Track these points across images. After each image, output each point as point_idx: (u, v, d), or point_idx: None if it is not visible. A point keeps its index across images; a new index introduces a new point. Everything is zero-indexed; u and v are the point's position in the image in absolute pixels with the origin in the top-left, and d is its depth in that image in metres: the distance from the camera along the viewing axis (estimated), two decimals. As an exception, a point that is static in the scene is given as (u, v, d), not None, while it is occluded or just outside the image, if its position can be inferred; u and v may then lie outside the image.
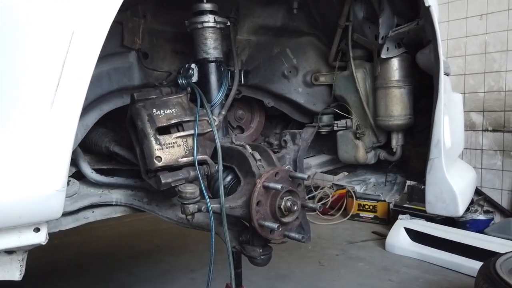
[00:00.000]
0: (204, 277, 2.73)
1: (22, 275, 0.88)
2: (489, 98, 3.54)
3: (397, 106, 1.58)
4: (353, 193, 4.11)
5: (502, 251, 2.09)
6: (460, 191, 1.38)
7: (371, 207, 4.02)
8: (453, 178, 1.39)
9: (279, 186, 1.11)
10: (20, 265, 0.86)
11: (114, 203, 1.46)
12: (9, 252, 0.83)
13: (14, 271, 0.85)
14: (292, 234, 1.18)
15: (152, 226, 3.90)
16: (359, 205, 4.09)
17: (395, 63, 1.56)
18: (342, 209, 4.21)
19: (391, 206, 3.83)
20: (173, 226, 3.87)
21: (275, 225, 1.11)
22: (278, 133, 2.05)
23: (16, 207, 0.71)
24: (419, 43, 1.51)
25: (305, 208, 1.24)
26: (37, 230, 0.77)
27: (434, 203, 1.39)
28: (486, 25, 3.51)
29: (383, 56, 1.51)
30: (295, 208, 1.17)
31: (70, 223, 1.34)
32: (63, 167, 0.74)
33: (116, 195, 1.46)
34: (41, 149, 0.72)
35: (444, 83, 1.42)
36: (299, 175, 1.19)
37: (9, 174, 0.70)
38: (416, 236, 3.10)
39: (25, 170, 0.71)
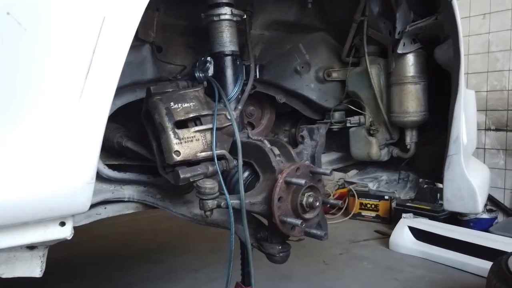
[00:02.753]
0: (207, 277, 2.71)
1: (43, 271, 0.84)
2: (492, 97, 3.55)
3: (412, 102, 1.56)
4: (354, 192, 4.10)
5: (508, 250, 2.09)
6: (479, 188, 1.36)
7: (372, 206, 4.02)
8: (471, 175, 1.37)
9: (302, 181, 1.08)
10: (41, 262, 0.83)
11: (126, 200, 1.43)
12: (31, 247, 0.80)
13: (34, 268, 0.82)
14: (313, 231, 1.16)
15: (151, 226, 3.87)
16: (361, 204, 4.08)
17: (410, 59, 1.54)
18: (344, 208, 4.20)
19: (393, 205, 3.83)
20: (173, 226, 3.84)
21: (298, 221, 1.08)
22: (287, 130, 2.03)
23: (45, 200, 0.68)
24: (434, 39, 1.50)
25: (325, 205, 1.21)
26: (62, 224, 0.74)
27: (452, 201, 1.38)
28: (489, 24, 3.52)
29: (399, 51, 1.50)
30: (317, 204, 1.14)
31: (82, 220, 1.31)
32: (93, 159, 0.71)
33: (128, 191, 1.42)
34: (71, 141, 0.69)
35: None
36: (321, 170, 1.17)
37: (39, 167, 0.67)
38: (420, 234, 3.09)
39: (54, 163, 0.68)
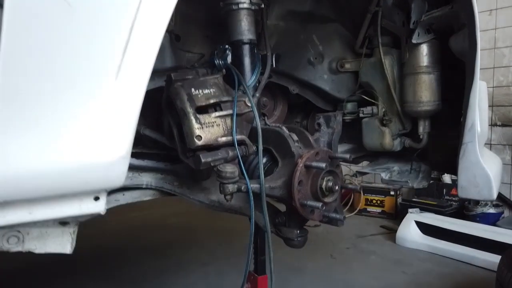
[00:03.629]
0: (217, 271, 2.72)
1: (73, 248, 0.86)
2: (498, 93, 3.56)
3: (426, 92, 1.57)
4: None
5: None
6: (493, 175, 1.37)
7: (378, 201, 4.03)
8: (486, 162, 1.39)
9: (323, 165, 1.10)
10: (72, 238, 0.85)
11: (144, 186, 1.44)
12: (63, 223, 0.82)
13: (65, 244, 0.84)
14: (333, 215, 1.18)
15: (160, 221, 3.88)
16: (366, 200, 4.10)
17: (424, 49, 1.56)
18: (349, 204, 4.21)
19: (399, 200, 3.84)
20: (182, 221, 3.85)
21: (319, 204, 1.10)
22: (299, 122, 2.04)
23: (83, 172, 0.69)
24: (447, 29, 1.51)
25: (344, 189, 1.23)
26: (97, 198, 0.76)
27: (467, 188, 1.39)
28: (495, 20, 3.53)
29: (414, 41, 1.51)
30: (336, 188, 1.16)
31: (101, 205, 1.32)
32: (129, 134, 0.72)
33: (146, 178, 1.44)
34: (109, 116, 0.71)
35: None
36: (340, 155, 1.19)
37: (78, 140, 0.69)
38: (427, 229, 3.10)
39: (92, 137, 0.70)
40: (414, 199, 3.66)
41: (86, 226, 1.31)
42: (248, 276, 1.88)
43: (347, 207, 4.21)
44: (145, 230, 3.72)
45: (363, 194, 4.09)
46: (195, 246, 3.24)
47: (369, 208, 4.08)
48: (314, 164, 1.12)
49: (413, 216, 3.21)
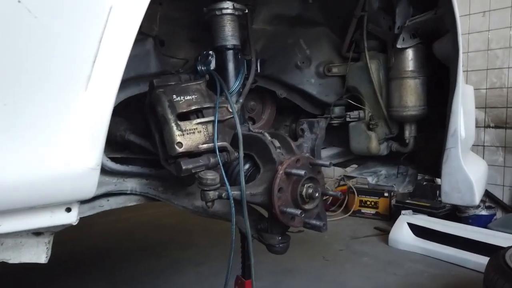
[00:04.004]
0: (210, 271, 2.73)
1: (48, 258, 0.86)
2: (492, 95, 3.57)
3: (411, 97, 1.58)
4: (354, 190, 4.12)
5: (507, 245, 2.10)
6: (476, 181, 1.38)
7: (372, 203, 4.04)
8: (468, 168, 1.39)
9: (302, 172, 1.10)
10: (47, 248, 0.85)
11: (129, 192, 1.44)
12: (37, 234, 0.82)
13: (40, 254, 0.84)
14: (313, 221, 1.18)
15: (154, 221, 3.89)
16: (361, 201, 4.10)
17: (410, 54, 1.56)
18: (344, 205, 4.22)
19: (393, 202, 3.85)
20: (175, 221, 3.86)
21: (298, 211, 1.10)
22: (288, 125, 2.04)
23: (51, 184, 0.70)
24: (433, 34, 1.52)
25: (325, 196, 1.24)
26: (68, 210, 0.76)
27: (450, 193, 1.40)
28: (489, 22, 3.53)
29: (398, 46, 1.52)
30: (316, 195, 1.16)
31: (86, 211, 1.32)
32: (98, 146, 0.73)
33: (131, 184, 1.44)
34: (78, 128, 0.71)
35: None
36: (321, 162, 1.19)
37: (46, 152, 0.69)
38: (419, 231, 3.11)
39: (61, 149, 0.70)
40: (407, 201, 3.66)
41: (81, 228, 1.31)
42: (236, 280, 1.88)
43: (342, 208, 4.22)
44: (140, 230, 3.72)
45: (358, 196, 4.09)
46: (190, 247, 3.25)
47: (363, 210, 4.08)
48: (294, 171, 1.12)
49: (405, 218, 3.22)
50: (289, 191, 1.16)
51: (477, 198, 1.37)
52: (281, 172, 1.13)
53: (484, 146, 3.65)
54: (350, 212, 4.13)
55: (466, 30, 3.68)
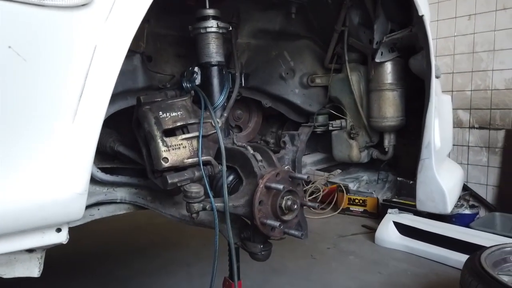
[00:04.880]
0: (200, 271, 2.80)
1: (41, 272, 0.93)
2: (476, 97, 3.65)
3: (390, 108, 1.65)
4: (343, 188, 4.21)
5: (487, 245, 2.19)
6: (449, 190, 1.46)
7: (361, 201, 4.12)
8: (442, 177, 1.47)
9: (280, 186, 1.17)
10: (39, 263, 0.91)
11: (118, 201, 1.51)
12: (30, 250, 0.88)
13: (33, 268, 0.90)
14: (292, 231, 1.25)
15: (147, 222, 3.95)
16: (349, 199, 4.19)
17: (388, 67, 1.63)
18: (333, 203, 4.30)
19: (381, 200, 3.94)
20: (168, 222, 3.91)
21: (277, 223, 1.17)
22: (274, 131, 2.11)
23: (41, 210, 0.76)
24: (412, 47, 1.59)
25: (304, 207, 1.31)
26: (58, 230, 0.82)
27: (424, 202, 1.48)
28: (474, 25, 3.61)
29: (377, 60, 1.58)
30: (295, 207, 1.23)
31: (76, 221, 1.38)
32: (85, 173, 0.79)
33: (120, 193, 1.51)
34: (66, 158, 0.77)
35: (435, 86, 1.50)
36: (299, 175, 1.25)
37: (37, 181, 0.75)
38: (404, 230, 3.20)
39: (50, 178, 0.76)
40: (394, 200, 3.74)
41: (72, 229, 1.37)
42: (224, 281, 1.96)
43: (331, 206, 4.30)
44: (132, 231, 3.78)
45: (347, 194, 4.18)
46: (181, 247, 3.31)
47: (352, 207, 4.17)
48: (274, 185, 1.19)
49: (391, 217, 3.30)
50: (269, 204, 1.23)
51: (449, 207, 1.45)
52: (261, 186, 1.20)
53: (468, 146, 3.75)
54: (339, 210, 4.22)
55: (452, 33, 3.76)
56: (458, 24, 3.70)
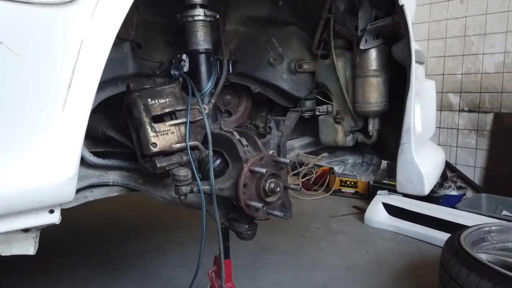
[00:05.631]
0: (194, 250, 2.90)
1: (36, 250, 1.00)
2: (466, 80, 3.70)
3: (373, 94, 1.70)
4: (335, 170, 4.29)
5: (470, 225, 2.28)
6: (427, 173, 1.53)
7: (352, 183, 4.22)
8: (421, 161, 1.54)
9: (263, 170, 1.23)
10: (34, 242, 0.98)
11: (111, 184, 1.57)
12: (25, 230, 0.95)
13: (29, 247, 0.97)
14: (275, 212, 1.32)
15: (142, 204, 4.03)
16: (341, 181, 4.28)
17: (373, 54, 1.67)
18: (325, 185, 4.39)
19: (371, 182, 4.02)
20: (163, 204, 4.01)
21: (260, 205, 1.24)
22: (264, 116, 2.16)
23: (35, 193, 0.82)
24: (396, 35, 1.62)
25: (287, 189, 1.37)
26: (51, 211, 0.89)
27: (403, 184, 1.55)
28: (466, 8, 3.63)
29: (361, 47, 1.63)
30: (278, 189, 1.30)
31: (71, 203, 1.45)
32: (75, 159, 0.85)
33: (113, 176, 1.57)
34: (56, 144, 0.83)
35: (417, 72, 1.55)
36: (282, 160, 1.32)
37: (31, 166, 0.81)
38: (393, 210, 3.30)
39: (43, 163, 0.82)
40: (384, 181, 3.84)
41: (68, 210, 1.43)
42: (214, 259, 2.04)
43: (323, 187, 4.39)
44: (126, 212, 3.87)
45: (338, 176, 4.26)
46: (175, 228, 3.40)
47: (344, 189, 4.27)
48: (257, 169, 1.25)
49: (380, 198, 3.40)
50: (254, 186, 1.29)
51: (427, 189, 1.52)
52: (246, 170, 1.26)
53: (458, 129, 3.81)
54: (331, 191, 4.31)
55: (444, 16, 3.77)
56: (451, 8, 3.71)
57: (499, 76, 3.50)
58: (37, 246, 0.99)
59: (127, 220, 3.66)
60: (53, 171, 0.83)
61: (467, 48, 3.65)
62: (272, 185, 1.29)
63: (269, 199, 1.31)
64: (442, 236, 2.85)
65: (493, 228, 2.16)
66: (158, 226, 3.47)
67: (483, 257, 1.86)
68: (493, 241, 2.15)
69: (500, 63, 3.48)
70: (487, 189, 3.57)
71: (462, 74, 3.72)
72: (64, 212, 1.03)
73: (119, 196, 1.65)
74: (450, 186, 3.51)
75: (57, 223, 0.92)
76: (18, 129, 0.79)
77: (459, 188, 3.57)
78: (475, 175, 3.73)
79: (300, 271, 2.57)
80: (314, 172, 4.57)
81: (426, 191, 1.51)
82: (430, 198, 3.52)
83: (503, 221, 2.38)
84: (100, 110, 1.54)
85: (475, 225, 2.17)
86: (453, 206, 3.18)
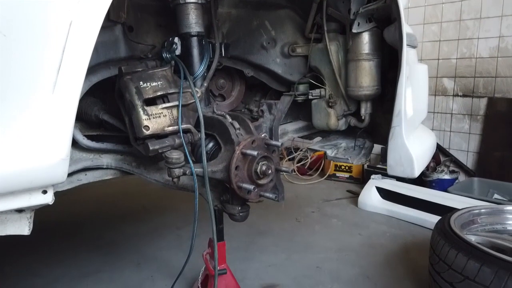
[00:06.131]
0: (189, 234, 2.93)
1: (31, 230, 1.01)
2: (461, 65, 3.70)
3: (366, 78, 1.71)
4: (330, 155, 4.32)
5: (461, 208, 2.32)
6: (417, 156, 1.55)
7: (346, 167, 4.25)
8: (411, 144, 1.56)
9: (255, 152, 1.25)
10: (29, 222, 1.00)
11: (105, 167, 1.58)
12: (19, 210, 0.96)
13: (23, 227, 0.99)
14: (267, 194, 1.34)
15: (137, 188, 4.06)
16: (336, 165, 4.31)
17: (365, 37, 1.68)
18: (320, 169, 4.43)
19: (365, 166, 4.06)
20: (158, 187, 4.04)
21: (251, 187, 1.26)
22: (257, 100, 2.17)
23: (28, 174, 0.83)
24: (388, 18, 1.63)
25: (279, 172, 1.39)
26: (45, 192, 0.90)
27: (393, 167, 1.57)
28: (462, -8, 3.61)
29: (354, 30, 1.63)
30: (270, 171, 1.32)
31: (65, 185, 1.47)
32: (67, 139, 0.86)
33: (106, 160, 1.58)
34: (48, 126, 0.84)
35: (408, 56, 1.55)
36: (273, 142, 1.33)
37: (23, 148, 0.82)
38: (386, 194, 3.34)
39: (35, 145, 0.83)
40: (378, 166, 3.88)
41: (65, 194, 1.44)
42: (209, 241, 2.07)
43: (318, 172, 4.43)
44: (122, 196, 3.89)
45: (333, 160, 4.29)
46: (171, 212, 3.44)
47: (338, 174, 4.30)
48: (249, 152, 1.27)
49: (374, 182, 3.43)
50: (245, 169, 1.31)
51: (417, 172, 1.54)
52: (237, 152, 1.28)
53: (452, 114, 3.83)
54: (326, 176, 4.35)
55: (440, 0, 3.75)
56: (446, -9, 3.69)
57: (493, 61, 3.51)
58: (31, 227, 1.01)
59: (122, 205, 3.69)
60: (46, 152, 0.84)
61: (462, 32, 3.65)
62: (264, 168, 1.31)
63: (261, 181, 1.33)
64: (434, 219, 2.89)
65: (482, 210, 2.20)
66: (153, 210, 3.50)
67: (472, 238, 1.89)
68: (483, 223, 2.19)
69: (494, 47, 3.49)
70: (480, 173, 3.62)
71: (456, 58, 3.72)
72: (60, 196, 1.04)
73: (114, 181, 1.67)
74: (443, 171, 3.55)
75: (50, 204, 0.93)
76: (10, 111, 0.79)
77: (451, 172, 3.60)
78: (468, 160, 3.76)
79: (293, 253, 2.61)
80: (309, 157, 4.60)
81: (416, 173, 1.54)
82: (423, 182, 3.57)
83: (493, 204, 2.42)
84: (93, 94, 1.54)
85: (465, 208, 2.21)
86: (445, 190, 3.22)
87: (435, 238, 1.94)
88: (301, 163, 4.60)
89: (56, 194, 1.01)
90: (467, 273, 1.61)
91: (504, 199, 3.23)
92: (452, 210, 2.51)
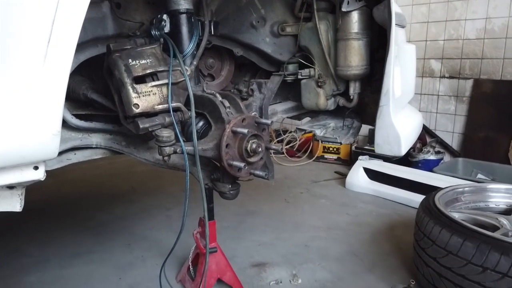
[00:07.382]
0: (179, 214, 2.95)
1: (22, 207, 1.02)
2: (448, 46, 3.73)
3: (355, 57, 1.72)
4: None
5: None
6: (404, 135, 1.58)
7: (334, 149, 4.30)
8: (399, 123, 1.58)
9: (245, 131, 1.26)
10: (20, 199, 1.00)
11: (94, 146, 1.58)
12: (10, 187, 0.96)
13: (15, 204, 0.99)
14: (257, 172, 1.36)
15: (127, 169, 4.05)
16: (324, 147, 4.35)
17: (354, 16, 1.68)
18: (308, 151, 4.47)
19: (353, 148, 4.11)
20: (147, 168, 4.02)
21: (241, 164, 1.27)
22: (247, 80, 2.17)
23: (19, 149, 0.83)
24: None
25: (269, 150, 1.41)
26: (36, 168, 0.90)
27: (381, 145, 1.60)
28: (451, -27, 3.61)
29: (343, 9, 1.63)
30: (260, 149, 1.33)
31: (54, 164, 1.46)
32: (58, 115, 0.85)
33: (96, 139, 1.57)
34: (39, 100, 0.83)
35: (397, 35, 1.56)
36: (263, 121, 1.34)
37: (13, 122, 0.81)
38: (373, 175, 3.39)
39: (26, 119, 0.82)
40: (366, 147, 3.92)
41: (54, 175, 1.43)
42: (199, 221, 2.10)
43: (306, 154, 4.47)
44: (113, 177, 3.88)
45: (321, 142, 4.33)
46: (160, 192, 3.45)
47: (326, 155, 4.35)
48: (239, 129, 1.28)
49: (361, 163, 3.48)
50: (236, 147, 1.32)
51: (404, 150, 1.58)
52: (228, 130, 1.29)
53: (438, 95, 3.88)
54: (314, 157, 4.39)
55: (429, -19, 3.76)
56: (436, -28, 3.68)
57: (480, 42, 3.55)
58: (23, 204, 1.01)
59: (111, 186, 3.68)
60: (37, 127, 0.83)
61: (450, 13, 3.66)
62: (254, 146, 1.32)
63: (251, 159, 1.35)
64: (419, 199, 2.93)
65: (466, 189, 2.26)
66: (142, 191, 3.50)
67: (455, 215, 1.95)
68: (466, 201, 2.25)
69: (481, 29, 3.52)
70: (464, 154, 3.69)
71: (444, 40, 3.75)
72: (48, 177, 1.03)
73: (102, 163, 1.67)
74: (428, 151, 3.61)
75: (42, 179, 0.93)
76: (1, 84, 0.78)
77: (437, 153, 3.67)
78: (453, 140, 3.83)
79: (283, 232, 2.65)
80: (298, 139, 4.63)
81: (403, 151, 1.57)
82: (409, 162, 3.63)
83: (476, 183, 2.48)
84: (80, 72, 1.52)
85: (449, 186, 2.26)
86: (431, 170, 3.29)
87: (420, 215, 1.99)
88: (290, 145, 4.62)
89: (45, 174, 1.00)
90: (450, 248, 1.66)
91: (487, 178, 3.32)
92: (437, 189, 2.58)
